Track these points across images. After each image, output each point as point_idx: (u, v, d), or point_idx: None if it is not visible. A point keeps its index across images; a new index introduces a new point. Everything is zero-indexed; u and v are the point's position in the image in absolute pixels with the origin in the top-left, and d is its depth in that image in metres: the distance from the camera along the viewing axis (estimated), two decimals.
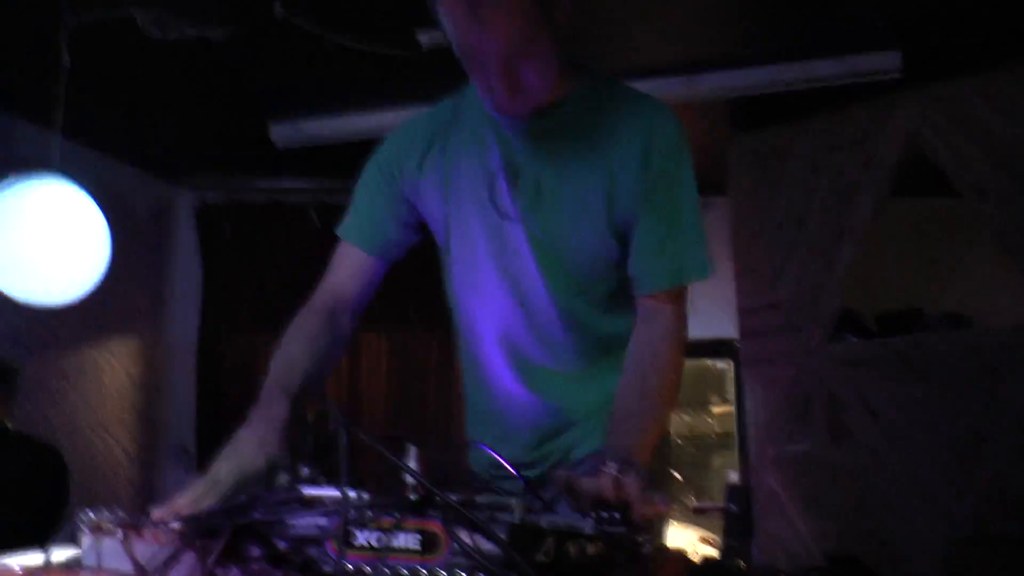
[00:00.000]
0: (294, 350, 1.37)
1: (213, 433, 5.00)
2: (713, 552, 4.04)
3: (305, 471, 0.95)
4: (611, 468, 1.03)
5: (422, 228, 1.53)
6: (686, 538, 5.24)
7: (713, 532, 4.90)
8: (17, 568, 0.92)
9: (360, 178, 1.53)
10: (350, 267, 1.49)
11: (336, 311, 1.46)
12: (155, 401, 5.07)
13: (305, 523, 0.83)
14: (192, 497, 1.06)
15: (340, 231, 1.52)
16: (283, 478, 1.09)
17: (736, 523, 3.70)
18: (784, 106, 3.90)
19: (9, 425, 3.17)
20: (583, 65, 1.43)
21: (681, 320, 1.40)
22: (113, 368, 4.73)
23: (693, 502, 6.10)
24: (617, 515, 0.91)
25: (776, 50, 3.54)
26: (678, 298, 1.40)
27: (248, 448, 1.15)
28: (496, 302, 1.47)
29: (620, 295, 1.45)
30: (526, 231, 1.41)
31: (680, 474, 6.40)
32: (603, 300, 1.46)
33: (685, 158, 1.39)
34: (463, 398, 1.66)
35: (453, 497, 0.79)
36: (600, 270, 1.42)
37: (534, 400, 1.50)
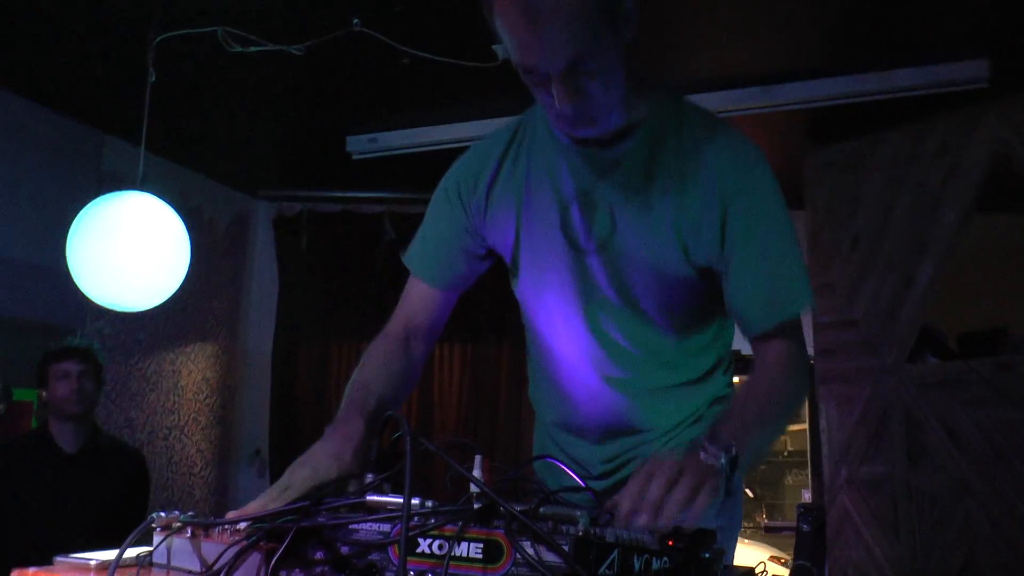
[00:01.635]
0: (369, 373, 1.39)
1: (285, 437, 5.10)
2: (783, 572, 3.94)
3: (370, 478, 0.96)
4: (663, 472, 1.00)
5: (491, 254, 1.50)
6: (756, 556, 5.13)
7: (784, 551, 4.79)
8: (92, 563, 0.95)
9: (430, 204, 1.51)
10: (420, 299, 1.50)
11: (409, 338, 1.48)
12: (230, 405, 5.20)
13: (368, 529, 0.84)
14: (263, 503, 1.08)
15: (406, 260, 1.51)
16: (352, 486, 1.11)
17: (807, 543, 3.59)
18: (862, 117, 3.81)
19: (100, 426, 3.29)
20: (655, 85, 1.37)
21: (792, 350, 1.34)
22: (191, 372, 4.87)
23: (764, 520, 5.97)
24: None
25: (856, 60, 3.47)
26: (788, 331, 1.34)
27: (323, 459, 1.16)
28: (570, 331, 1.45)
29: (698, 320, 1.43)
30: (599, 263, 1.38)
31: (752, 491, 6.27)
32: (681, 329, 1.43)
33: (769, 186, 1.33)
34: (531, 403, 1.65)
35: (517, 507, 0.79)
36: (676, 302, 1.40)
37: (608, 394, 1.47)
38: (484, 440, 4.91)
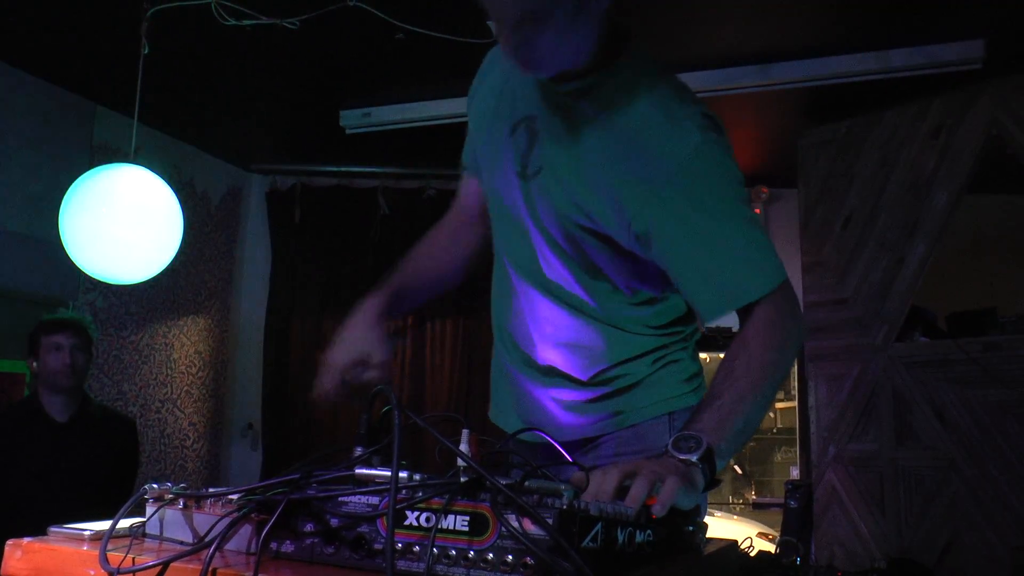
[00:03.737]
0: (416, 252, 1.64)
1: (278, 411, 5.12)
2: (770, 547, 3.99)
3: (359, 451, 0.97)
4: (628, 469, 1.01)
5: None
6: (744, 532, 5.18)
7: (772, 527, 4.83)
8: (86, 534, 0.97)
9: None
10: (465, 189, 1.68)
11: (460, 226, 1.68)
12: (222, 378, 5.22)
13: (357, 501, 0.85)
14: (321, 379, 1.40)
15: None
16: (378, 358, 1.40)
17: (795, 519, 3.63)
18: (857, 97, 3.81)
19: (90, 396, 3.31)
20: (631, 50, 1.36)
21: (772, 317, 1.26)
22: (183, 345, 4.88)
23: (753, 496, 6.02)
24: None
25: (853, 39, 3.46)
26: (765, 301, 1.27)
27: (349, 341, 1.42)
28: (511, 232, 1.49)
29: (611, 279, 1.42)
30: (531, 188, 1.40)
31: (741, 468, 6.33)
32: (592, 280, 1.42)
33: (716, 169, 1.28)
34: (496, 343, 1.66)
35: (503, 481, 0.80)
36: (582, 255, 1.39)
37: (541, 307, 1.48)
38: (476, 415, 4.94)
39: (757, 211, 4.49)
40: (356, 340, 1.42)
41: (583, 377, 1.47)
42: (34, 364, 3.11)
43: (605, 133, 1.33)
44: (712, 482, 1.10)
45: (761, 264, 1.28)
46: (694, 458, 1.07)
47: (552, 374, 1.50)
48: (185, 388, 4.91)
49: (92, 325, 3.29)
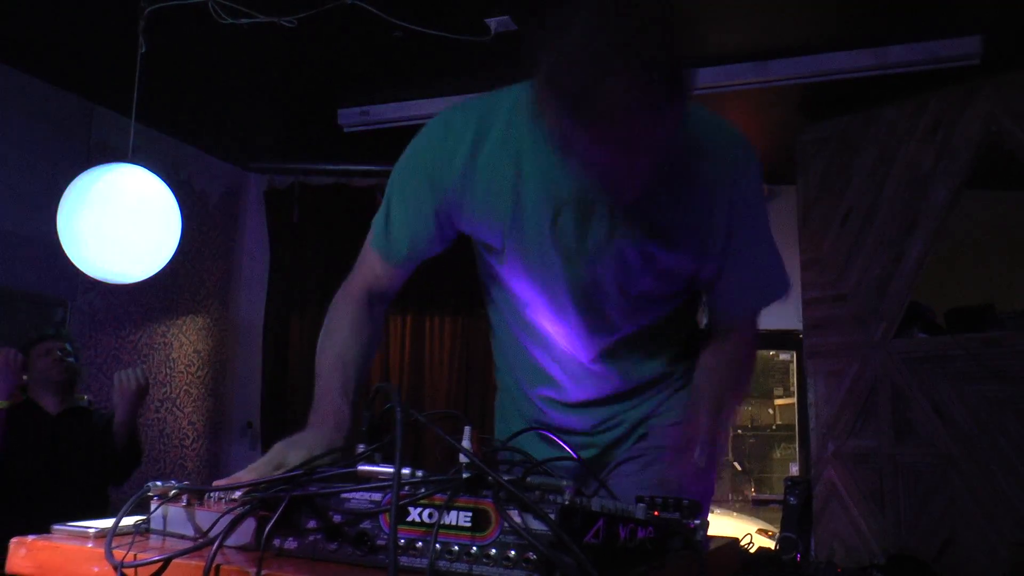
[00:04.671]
0: (343, 345, 1.35)
1: (278, 410, 5.12)
2: (770, 544, 4.00)
3: (361, 448, 0.97)
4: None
5: (458, 235, 1.43)
6: (744, 529, 5.19)
7: (772, 524, 4.85)
8: (90, 531, 0.97)
9: (394, 174, 1.40)
10: (379, 269, 1.44)
11: (372, 300, 1.44)
12: (222, 377, 5.22)
13: (360, 498, 0.85)
14: (256, 475, 1.07)
15: (369, 238, 1.44)
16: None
17: (794, 515, 3.64)
18: (854, 93, 3.81)
19: (87, 399, 3.36)
20: None
21: (748, 340, 1.45)
22: (183, 345, 4.88)
23: (753, 493, 6.04)
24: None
25: (850, 36, 3.46)
26: (751, 321, 1.45)
27: (315, 441, 1.16)
28: (562, 320, 1.42)
29: (680, 295, 1.46)
30: (594, 265, 1.33)
31: (741, 464, 6.34)
32: (671, 309, 1.47)
33: (757, 184, 1.37)
34: (499, 378, 1.66)
35: (505, 477, 0.81)
36: (671, 292, 1.43)
37: (599, 370, 1.49)
38: (474, 412, 4.94)
39: None
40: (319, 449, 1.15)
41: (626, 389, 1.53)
42: (24, 377, 3.18)
43: (671, 188, 1.28)
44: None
45: (782, 269, 1.41)
46: (692, 525, 1.09)
47: (589, 405, 1.53)
48: (184, 387, 4.91)
49: (76, 341, 3.41)
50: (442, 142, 1.33)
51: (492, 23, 3.19)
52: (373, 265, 1.43)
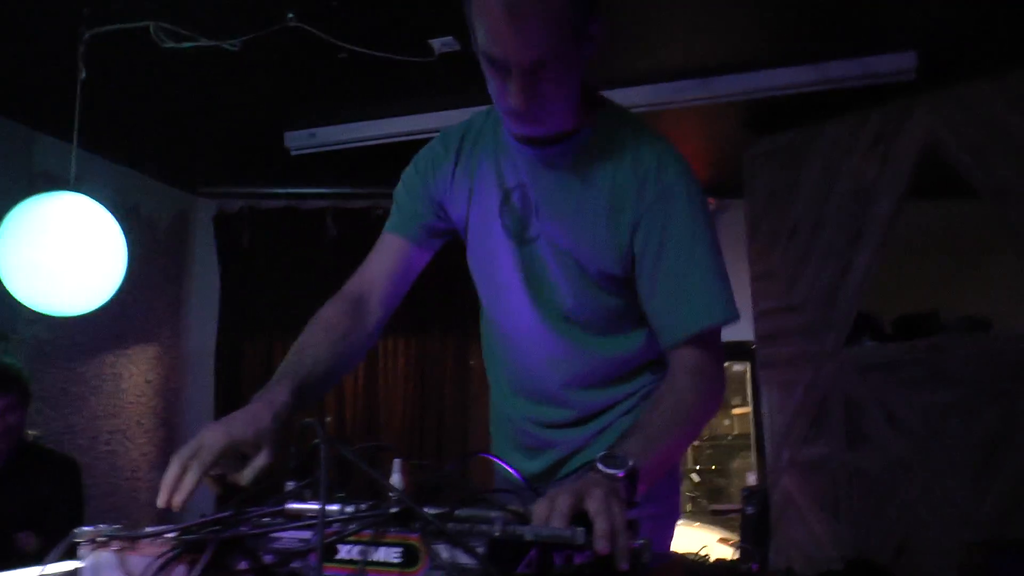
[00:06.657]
0: (309, 337, 1.40)
1: None
2: (729, 554, 4.02)
3: (289, 485, 0.96)
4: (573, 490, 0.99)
5: (449, 229, 1.57)
6: (704, 539, 5.20)
7: (732, 534, 4.87)
8: None
9: (401, 178, 1.59)
10: (385, 256, 1.53)
11: (362, 300, 1.49)
12: (174, 406, 5.12)
13: (290, 537, 0.84)
14: (178, 466, 1.10)
15: (381, 237, 1.56)
16: (262, 459, 1.15)
17: (752, 525, 3.67)
18: (799, 109, 3.88)
19: (30, 435, 3.20)
20: (603, 100, 1.46)
21: (703, 361, 1.33)
22: (132, 375, 4.79)
23: (711, 504, 6.07)
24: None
25: (791, 53, 3.53)
26: (700, 342, 1.33)
27: (239, 421, 1.18)
28: (514, 309, 1.52)
29: (619, 321, 1.47)
30: (537, 253, 1.46)
31: (698, 475, 6.37)
32: (604, 327, 1.49)
33: (687, 199, 1.36)
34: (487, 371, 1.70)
35: (435, 510, 0.80)
36: (598, 301, 1.45)
37: (552, 368, 1.53)
38: (431, 435, 4.91)
39: None
40: (240, 427, 1.18)
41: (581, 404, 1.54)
42: None
43: (600, 190, 1.39)
44: (630, 503, 1.10)
45: (723, 294, 1.35)
46: (620, 474, 1.08)
47: (564, 405, 1.54)
48: (136, 418, 4.81)
49: (25, 371, 3.05)
50: (438, 147, 1.55)
51: (436, 44, 3.20)
52: (389, 250, 1.54)
